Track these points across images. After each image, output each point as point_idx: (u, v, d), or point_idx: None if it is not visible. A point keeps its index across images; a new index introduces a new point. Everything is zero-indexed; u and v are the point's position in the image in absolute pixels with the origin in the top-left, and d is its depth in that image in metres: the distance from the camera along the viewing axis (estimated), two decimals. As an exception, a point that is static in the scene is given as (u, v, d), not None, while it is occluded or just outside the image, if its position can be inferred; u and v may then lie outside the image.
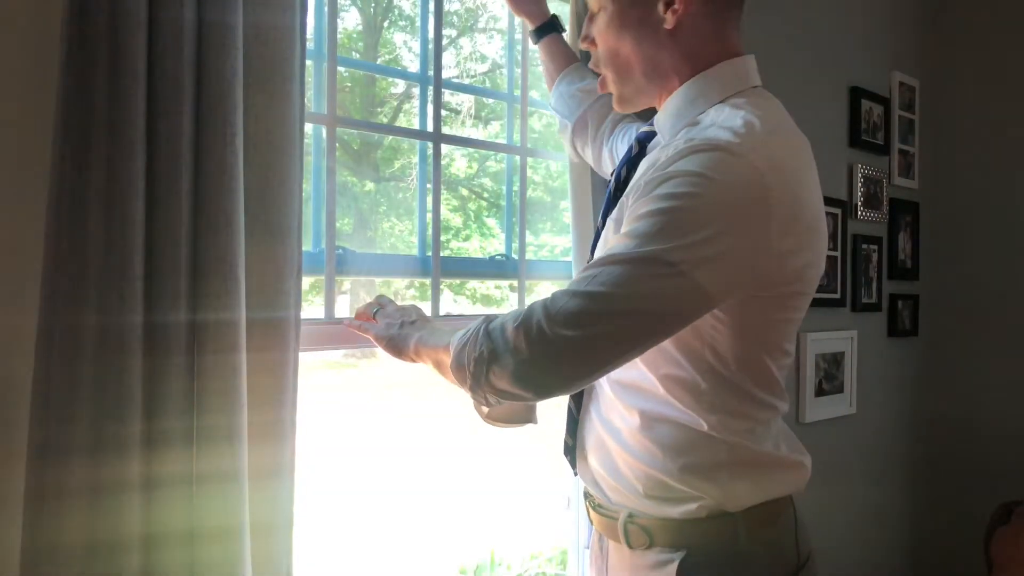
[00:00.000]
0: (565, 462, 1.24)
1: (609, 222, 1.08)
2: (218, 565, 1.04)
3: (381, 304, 1.22)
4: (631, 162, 1.12)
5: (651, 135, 1.13)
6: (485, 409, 1.11)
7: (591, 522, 1.20)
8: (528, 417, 1.12)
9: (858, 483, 2.68)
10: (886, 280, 2.80)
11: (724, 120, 0.96)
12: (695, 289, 0.88)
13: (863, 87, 2.65)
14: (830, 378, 2.50)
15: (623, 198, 1.03)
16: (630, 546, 1.09)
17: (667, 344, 0.99)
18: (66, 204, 0.96)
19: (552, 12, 1.57)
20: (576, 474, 1.21)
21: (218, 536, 1.04)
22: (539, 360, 0.91)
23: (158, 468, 1.01)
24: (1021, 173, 2.86)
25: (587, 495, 1.20)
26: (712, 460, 1.03)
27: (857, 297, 2.63)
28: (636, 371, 1.04)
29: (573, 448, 1.20)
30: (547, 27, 1.55)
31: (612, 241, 0.95)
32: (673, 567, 1.03)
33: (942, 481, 3.02)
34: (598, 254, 1.00)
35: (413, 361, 1.13)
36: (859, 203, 2.63)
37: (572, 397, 1.19)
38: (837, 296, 2.52)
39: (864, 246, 2.66)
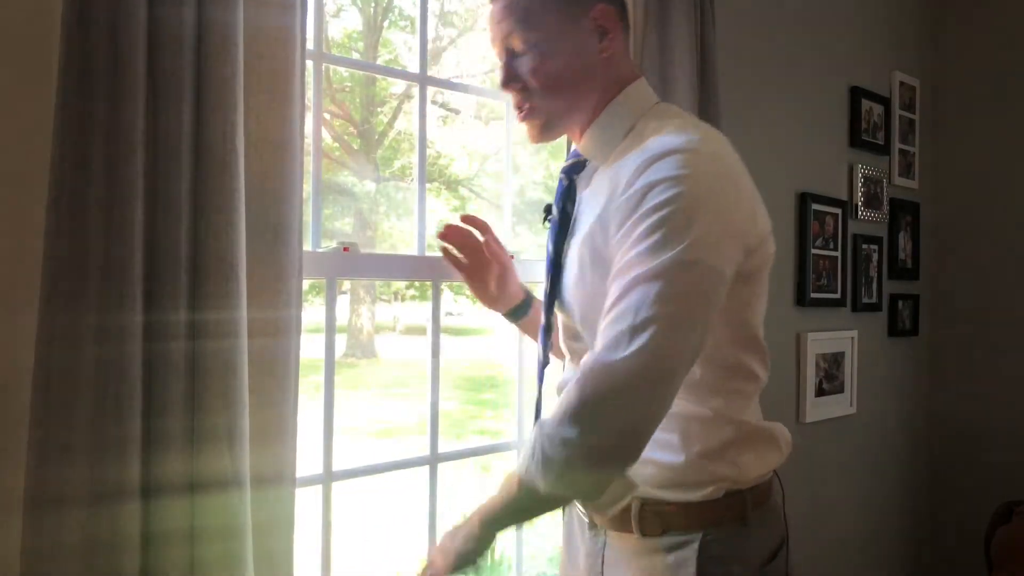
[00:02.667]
0: None
1: (574, 252, 1.10)
2: (219, 565, 1.03)
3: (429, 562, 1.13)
4: (566, 194, 1.17)
5: (576, 167, 1.18)
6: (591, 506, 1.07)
7: (587, 520, 1.18)
8: (630, 487, 1.03)
9: (858, 483, 2.68)
10: (886, 280, 2.80)
11: (662, 131, 1.04)
12: (716, 274, 0.94)
13: (863, 87, 2.65)
14: (830, 378, 2.50)
15: (593, 224, 1.06)
16: (643, 534, 1.10)
17: None
18: (66, 204, 0.96)
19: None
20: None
21: (219, 536, 1.03)
22: (586, 424, 0.90)
23: (158, 469, 1.01)
24: (1021, 173, 2.86)
25: None
26: (721, 441, 1.07)
27: (857, 297, 2.63)
28: None
29: None
30: (525, 303, 1.46)
31: (616, 265, 0.97)
32: (692, 548, 1.06)
33: (942, 481, 3.02)
34: (574, 284, 1.09)
35: (492, 538, 1.06)
36: (859, 203, 2.63)
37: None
38: (837, 296, 2.52)
39: (864, 246, 2.66)
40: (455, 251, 1.38)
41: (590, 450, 0.91)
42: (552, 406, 0.97)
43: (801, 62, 2.41)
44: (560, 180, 1.18)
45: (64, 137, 0.96)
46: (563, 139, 1.66)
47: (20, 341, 0.99)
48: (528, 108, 1.12)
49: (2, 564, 0.99)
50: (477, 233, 1.38)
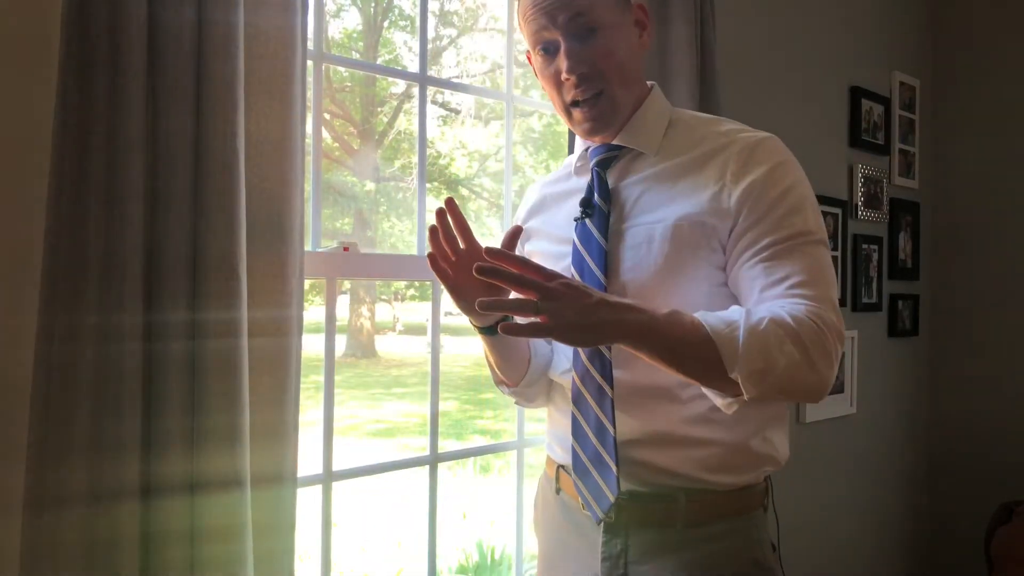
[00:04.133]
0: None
1: (643, 232, 1.08)
2: (219, 565, 1.03)
3: (553, 294, 0.89)
4: (601, 186, 1.14)
5: (607, 161, 1.15)
6: (735, 406, 1.02)
7: (605, 522, 1.11)
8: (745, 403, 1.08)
9: (858, 483, 2.68)
10: (886, 280, 2.80)
11: (718, 120, 1.16)
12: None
13: (863, 87, 2.65)
14: (830, 378, 2.50)
15: (690, 208, 1.06)
16: (687, 525, 1.08)
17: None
18: (66, 204, 0.96)
19: None
20: (601, 519, 1.11)
21: (219, 536, 1.03)
22: (834, 362, 0.99)
23: (158, 468, 1.01)
24: (1021, 173, 2.86)
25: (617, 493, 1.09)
26: (765, 420, 1.12)
27: (857, 297, 2.63)
28: None
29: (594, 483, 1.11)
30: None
31: (759, 232, 1.03)
32: (743, 535, 1.10)
33: (942, 481, 3.01)
34: (637, 262, 1.07)
35: (612, 343, 0.97)
36: (859, 203, 2.63)
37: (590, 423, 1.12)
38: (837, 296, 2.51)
39: (864, 246, 2.66)
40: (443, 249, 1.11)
41: (811, 372, 0.96)
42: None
43: (801, 62, 2.41)
44: (595, 173, 1.15)
45: (64, 137, 0.96)
46: (558, 141, 1.66)
47: (20, 341, 0.99)
48: (597, 93, 1.10)
49: (2, 563, 0.99)
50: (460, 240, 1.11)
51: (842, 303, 2.54)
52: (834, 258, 2.49)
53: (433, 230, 1.08)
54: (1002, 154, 2.89)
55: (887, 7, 2.82)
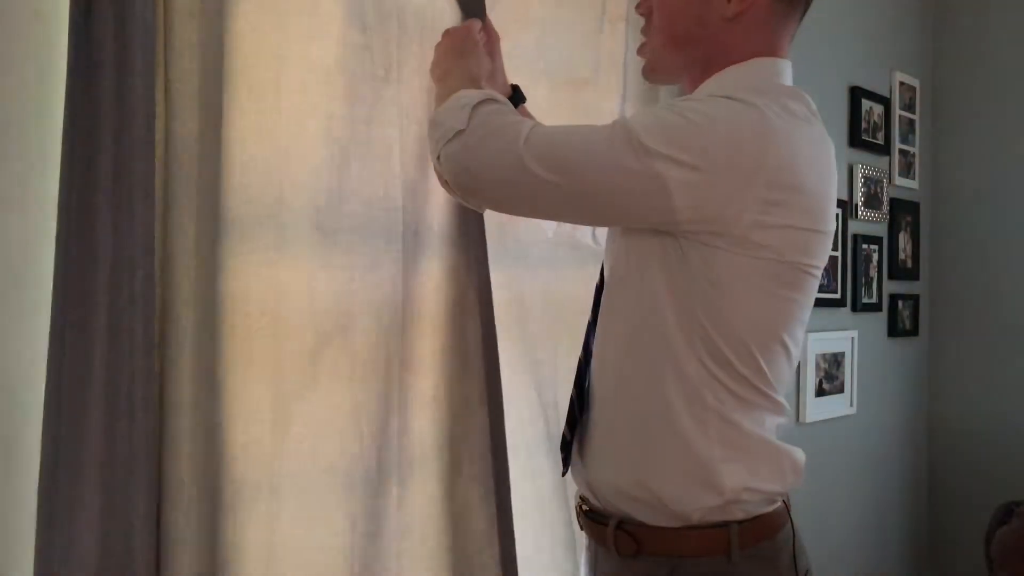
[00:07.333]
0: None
1: None
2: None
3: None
4: None
5: None
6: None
7: (582, 528, 1.16)
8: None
9: (858, 483, 2.68)
10: (886, 280, 2.81)
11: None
12: (657, 178, 0.92)
13: (863, 87, 2.65)
14: (830, 378, 2.51)
15: None
16: (619, 553, 1.05)
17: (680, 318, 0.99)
18: (75, 204, 0.96)
19: (513, 83, 1.38)
20: (564, 473, 1.18)
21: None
22: (492, 173, 0.99)
23: (172, 470, 1.01)
24: (1021, 173, 2.87)
25: (579, 500, 1.16)
26: (705, 445, 1.01)
27: (857, 297, 2.63)
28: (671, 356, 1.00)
29: (570, 444, 1.15)
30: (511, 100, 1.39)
31: None
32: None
33: (942, 481, 3.02)
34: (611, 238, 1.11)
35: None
36: (859, 203, 2.63)
37: (576, 393, 1.15)
38: (837, 296, 2.52)
39: (864, 246, 2.66)
40: None
41: (457, 145, 1.00)
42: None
43: (801, 62, 2.40)
44: None
45: (73, 136, 0.96)
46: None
47: (32, 341, 0.99)
48: (643, 43, 1.14)
49: (16, 563, 0.99)
50: None
51: (842, 303, 2.55)
52: (834, 258, 2.49)
53: None
54: (1002, 154, 2.90)
55: (887, 7, 2.83)
